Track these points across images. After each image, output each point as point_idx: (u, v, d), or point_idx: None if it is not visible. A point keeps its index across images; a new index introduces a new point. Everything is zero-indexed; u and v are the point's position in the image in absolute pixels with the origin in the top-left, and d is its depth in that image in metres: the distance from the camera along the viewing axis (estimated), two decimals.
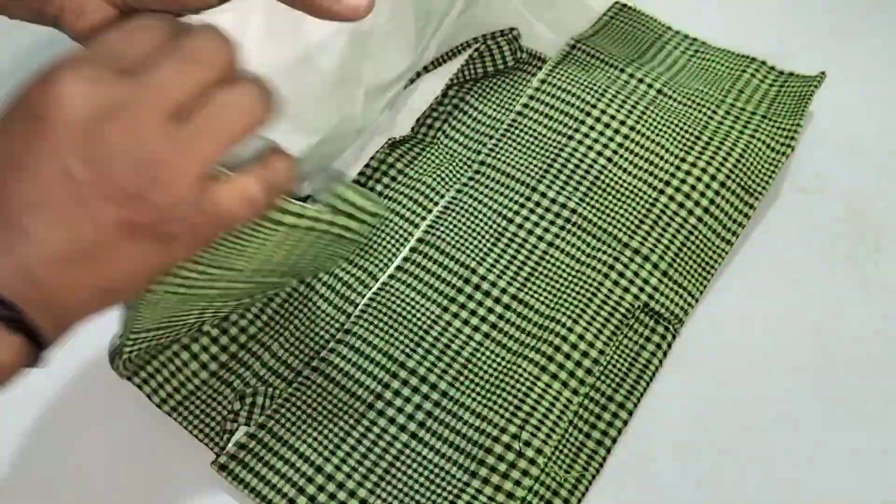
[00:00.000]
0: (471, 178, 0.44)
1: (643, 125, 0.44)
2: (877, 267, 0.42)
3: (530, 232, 0.42)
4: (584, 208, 0.42)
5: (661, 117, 0.45)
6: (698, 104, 0.46)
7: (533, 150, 0.44)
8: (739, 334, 0.41)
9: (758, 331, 0.41)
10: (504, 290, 0.40)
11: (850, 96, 0.48)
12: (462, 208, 0.43)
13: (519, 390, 0.37)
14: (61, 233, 0.23)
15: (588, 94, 0.45)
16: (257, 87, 0.25)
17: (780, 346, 0.40)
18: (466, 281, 0.40)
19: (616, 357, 0.39)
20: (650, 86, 0.46)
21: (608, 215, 0.42)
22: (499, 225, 0.42)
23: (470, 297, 0.40)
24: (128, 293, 0.27)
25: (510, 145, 0.45)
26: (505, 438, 0.35)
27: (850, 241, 0.43)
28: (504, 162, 0.44)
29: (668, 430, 0.38)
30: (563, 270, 0.41)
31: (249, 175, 0.25)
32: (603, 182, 0.43)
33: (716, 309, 0.41)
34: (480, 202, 0.43)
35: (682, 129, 0.44)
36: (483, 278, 0.40)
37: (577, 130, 0.44)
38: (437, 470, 0.36)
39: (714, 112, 0.45)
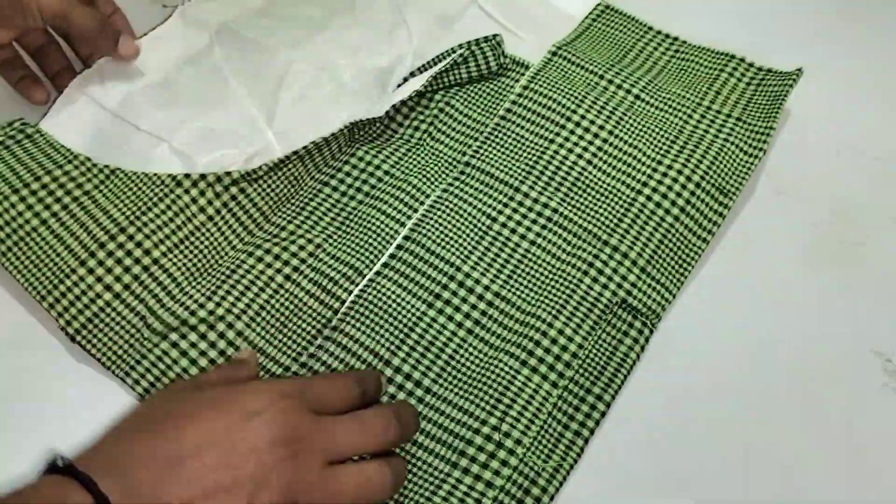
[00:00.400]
0: (456, 179, 0.45)
1: (621, 130, 0.46)
2: (858, 268, 0.44)
3: (513, 231, 0.43)
4: (566, 208, 0.44)
5: (639, 122, 0.46)
6: (675, 108, 0.47)
7: (516, 153, 0.46)
8: (720, 331, 0.42)
9: (738, 328, 0.42)
10: (487, 287, 0.41)
11: (833, 99, 0.49)
12: (447, 207, 0.44)
13: (500, 384, 0.38)
14: None
15: (568, 100, 0.47)
16: (396, 473, 0.32)
17: (760, 344, 0.41)
18: (451, 278, 0.42)
19: (594, 351, 0.40)
20: (628, 91, 0.47)
21: (588, 214, 0.44)
22: (483, 224, 0.43)
23: (454, 294, 0.41)
24: None
25: (494, 147, 0.46)
26: (485, 430, 0.36)
27: (832, 243, 0.45)
28: (488, 163, 0.45)
29: (645, 422, 0.39)
30: (545, 268, 0.42)
31: None
32: (583, 183, 0.44)
33: (698, 307, 0.42)
34: (465, 202, 0.44)
35: (658, 133, 0.46)
36: (467, 275, 0.42)
37: (558, 135, 0.46)
38: (419, 463, 0.36)
39: (690, 116, 0.47)
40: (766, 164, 0.47)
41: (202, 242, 0.41)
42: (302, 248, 0.42)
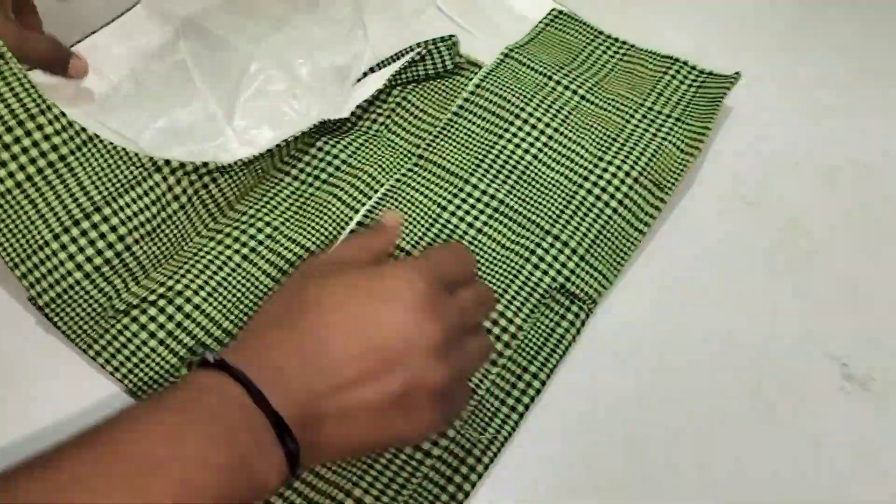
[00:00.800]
0: (409, 170, 0.48)
1: (566, 127, 0.49)
2: (813, 275, 0.46)
3: (461, 219, 0.46)
4: (511, 199, 0.46)
5: (583, 121, 0.49)
6: (618, 108, 0.50)
7: (467, 147, 0.48)
8: (680, 334, 0.43)
9: (698, 332, 0.43)
10: None
11: (796, 113, 0.52)
12: (400, 196, 0.46)
13: None
14: (366, 390, 0.28)
15: (517, 98, 0.49)
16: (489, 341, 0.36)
17: (718, 347, 0.43)
18: None
19: (533, 333, 0.42)
20: (574, 92, 0.50)
21: (532, 205, 0.46)
22: (433, 212, 0.46)
23: None
24: (362, 454, 0.35)
25: (446, 141, 0.49)
26: None
27: (788, 250, 0.47)
28: (440, 156, 0.48)
29: (611, 420, 0.40)
30: (489, 255, 0.45)
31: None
32: (528, 176, 0.47)
33: (658, 310, 0.44)
34: (417, 191, 0.47)
35: (600, 131, 0.49)
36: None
37: (506, 130, 0.48)
38: None
39: (632, 116, 0.50)
40: (730, 174, 0.49)
41: (172, 231, 0.42)
42: (260, 230, 0.44)
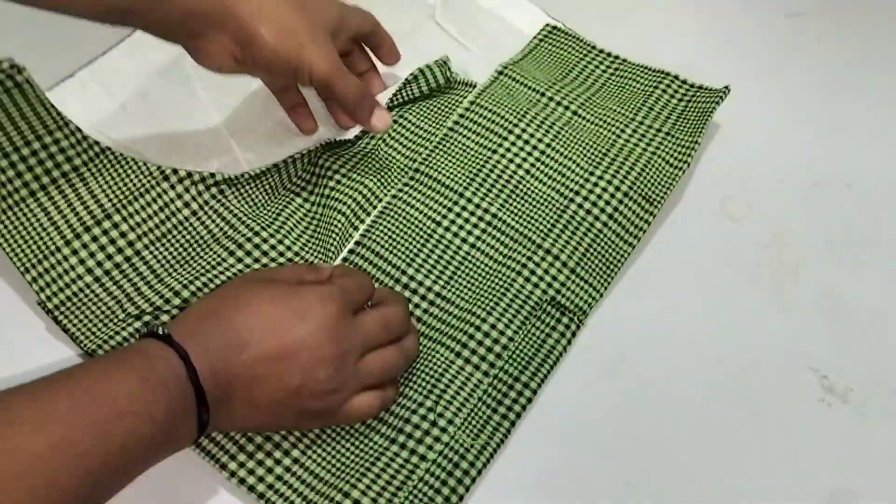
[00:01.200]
0: (406, 185, 0.49)
1: (558, 143, 0.50)
2: (796, 289, 0.47)
3: (455, 234, 0.47)
4: (504, 213, 0.48)
5: (574, 136, 0.50)
6: (608, 124, 0.51)
7: (462, 161, 0.50)
8: (666, 345, 0.45)
9: (683, 343, 0.45)
10: (429, 289, 0.45)
11: (782, 130, 0.53)
12: (396, 213, 0.48)
13: (436, 371, 0.42)
14: (270, 384, 0.34)
15: (511, 114, 0.51)
16: (406, 352, 0.40)
17: (702, 359, 0.44)
18: (397, 281, 0.46)
19: (523, 344, 0.44)
20: (567, 108, 0.52)
21: (524, 219, 0.48)
22: (428, 227, 0.47)
23: None
24: (257, 431, 0.39)
25: (442, 156, 0.50)
26: (421, 411, 0.41)
27: (773, 265, 0.48)
28: (436, 170, 0.50)
29: (596, 423, 0.42)
30: (482, 269, 0.46)
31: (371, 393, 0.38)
32: (521, 191, 0.49)
33: (645, 324, 0.45)
34: (413, 206, 0.48)
35: (591, 146, 0.50)
36: (412, 278, 0.46)
37: (500, 146, 0.50)
38: (360, 437, 0.40)
39: (622, 131, 0.51)
40: (717, 189, 0.51)
41: (184, 236, 0.43)
42: (281, 254, 0.46)
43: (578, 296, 0.46)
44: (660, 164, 0.49)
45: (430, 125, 0.52)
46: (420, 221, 0.48)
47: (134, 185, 0.42)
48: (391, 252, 0.46)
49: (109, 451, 0.28)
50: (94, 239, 0.41)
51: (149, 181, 0.43)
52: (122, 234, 0.42)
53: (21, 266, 0.40)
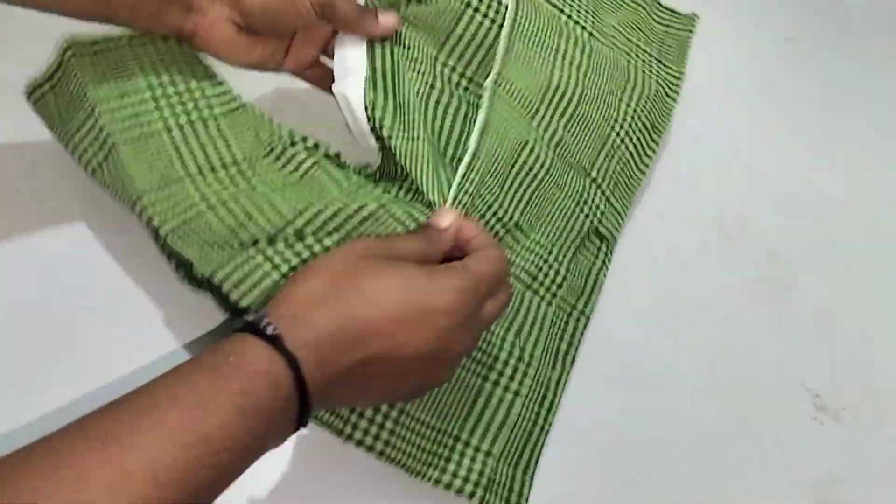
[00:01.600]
0: (490, 96, 0.41)
1: (592, 69, 0.46)
2: (789, 308, 0.46)
3: (537, 158, 0.42)
4: (568, 136, 0.44)
5: (601, 62, 0.46)
6: (618, 48, 0.48)
7: (529, 73, 0.44)
8: (663, 360, 0.44)
9: (679, 359, 0.44)
10: (511, 217, 0.42)
11: (777, 151, 0.52)
12: (490, 128, 0.41)
13: (513, 306, 0.41)
14: (381, 394, 0.32)
15: (551, 32, 0.45)
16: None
17: (696, 375, 0.44)
18: (489, 208, 0.41)
19: (575, 273, 0.43)
20: (583, 28, 0.47)
21: (580, 146, 0.44)
22: (515, 148, 0.42)
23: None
24: (370, 405, 0.37)
25: (511, 66, 0.43)
26: (507, 347, 0.40)
27: (767, 282, 0.47)
28: (513, 79, 0.43)
29: (570, 426, 0.41)
30: (551, 198, 0.43)
31: None
32: (578, 114, 0.45)
33: (643, 339, 0.44)
34: (502, 121, 0.42)
35: (616, 73, 0.47)
36: (500, 205, 0.42)
37: (553, 64, 0.44)
38: (458, 381, 0.39)
39: (631, 57, 0.49)
40: (713, 206, 0.50)
41: (309, 186, 0.40)
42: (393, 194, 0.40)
43: (612, 223, 0.45)
44: (662, 94, 0.48)
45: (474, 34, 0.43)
46: (509, 139, 0.42)
47: (265, 143, 0.41)
48: (489, 191, 0.41)
49: (199, 495, 0.25)
50: (219, 180, 0.39)
51: (280, 141, 0.41)
52: (247, 180, 0.39)
53: (136, 193, 0.38)
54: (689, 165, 0.51)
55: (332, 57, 0.43)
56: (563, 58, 0.45)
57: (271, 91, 0.50)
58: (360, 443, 0.37)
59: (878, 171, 0.53)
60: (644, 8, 0.51)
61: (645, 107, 0.47)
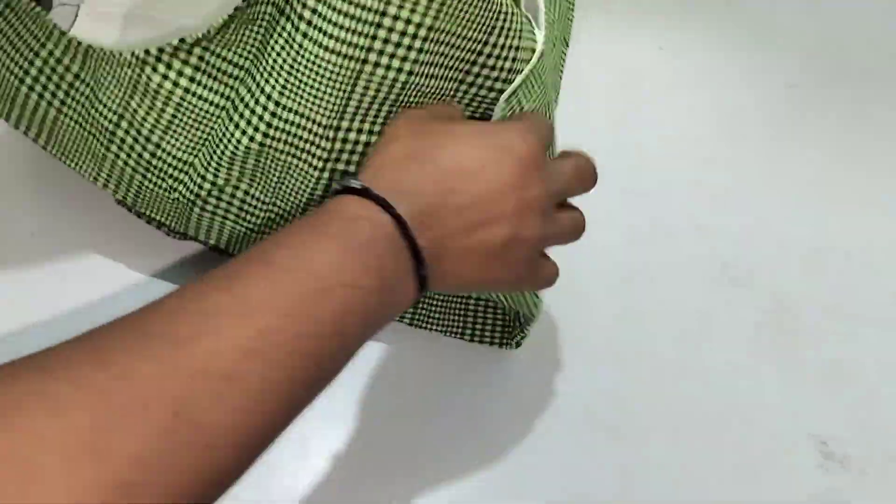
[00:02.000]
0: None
1: None
2: (796, 355, 0.47)
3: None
4: None
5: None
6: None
7: None
8: (667, 410, 0.44)
9: (684, 407, 0.44)
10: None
11: (783, 197, 0.53)
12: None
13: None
14: (484, 234, 0.31)
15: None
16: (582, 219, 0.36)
17: (703, 422, 0.44)
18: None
19: None
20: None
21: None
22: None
23: None
24: (466, 291, 0.39)
25: None
26: None
27: (773, 330, 0.48)
28: None
29: (566, 478, 0.42)
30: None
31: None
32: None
33: (647, 389, 0.45)
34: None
35: None
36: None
37: None
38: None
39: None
40: (718, 254, 0.51)
41: (189, 115, 0.39)
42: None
43: None
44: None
45: None
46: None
47: (123, 79, 0.39)
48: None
49: (321, 332, 0.25)
50: (123, 141, 0.40)
51: (134, 72, 0.38)
52: (138, 132, 0.40)
53: (89, 176, 0.40)
54: (690, 214, 0.52)
55: None
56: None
57: None
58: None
59: (885, 221, 0.53)
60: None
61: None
